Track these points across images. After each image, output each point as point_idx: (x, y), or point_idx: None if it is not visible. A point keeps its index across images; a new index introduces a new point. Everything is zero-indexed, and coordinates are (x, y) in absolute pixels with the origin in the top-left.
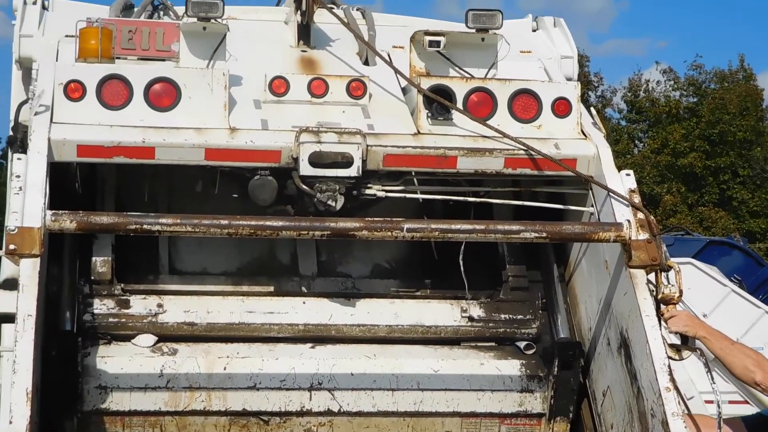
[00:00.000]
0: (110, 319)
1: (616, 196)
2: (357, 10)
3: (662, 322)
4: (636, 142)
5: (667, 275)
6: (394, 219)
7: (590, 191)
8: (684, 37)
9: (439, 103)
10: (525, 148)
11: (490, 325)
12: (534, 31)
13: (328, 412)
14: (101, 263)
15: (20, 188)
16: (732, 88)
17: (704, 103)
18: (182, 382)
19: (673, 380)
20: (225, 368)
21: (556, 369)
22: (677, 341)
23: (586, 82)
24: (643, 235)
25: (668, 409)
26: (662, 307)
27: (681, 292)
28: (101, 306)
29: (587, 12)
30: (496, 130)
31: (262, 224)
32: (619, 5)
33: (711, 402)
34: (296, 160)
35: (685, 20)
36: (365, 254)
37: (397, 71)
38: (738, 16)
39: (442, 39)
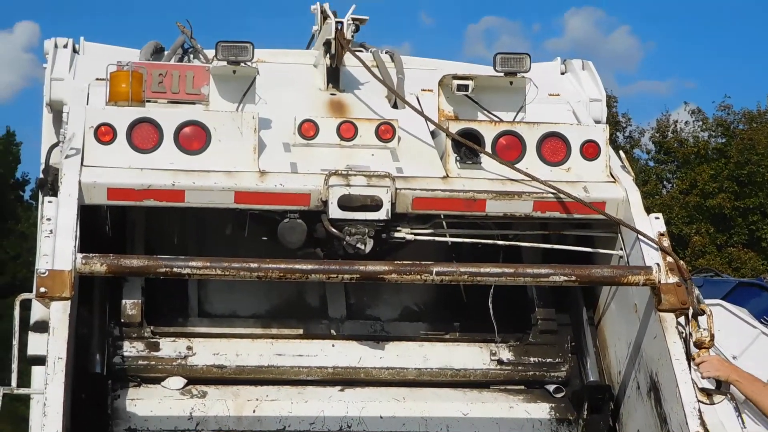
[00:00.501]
0: (140, 362)
1: (645, 240)
2: (386, 53)
3: (693, 366)
4: (664, 182)
5: (698, 319)
6: (423, 262)
7: (619, 234)
8: (712, 78)
9: (468, 147)
10: (554, 191)
11: (520, 368)
12: (562, 73)
13: None
14: (131, 306)
15: (51, 231)
16: (760, 128)
17: (733, 144)
18: (212, 424)
19: (703, 424)
20: (254, 411)
21: (585, 412)
22: (709, 385)
23: (615, 122)
24: (673, 279)
25: None
26: (693, 351)
27: (713, 336)
28: (131, 348)
29: (614, 53)
30: (525, 173)
31: (292, 267)
32: (646, 47)
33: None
34: (325, 203)
35: (713, 61)
36: (394, 297)
37: (425, 116)
38: (766, 57)
39: (470, 83)
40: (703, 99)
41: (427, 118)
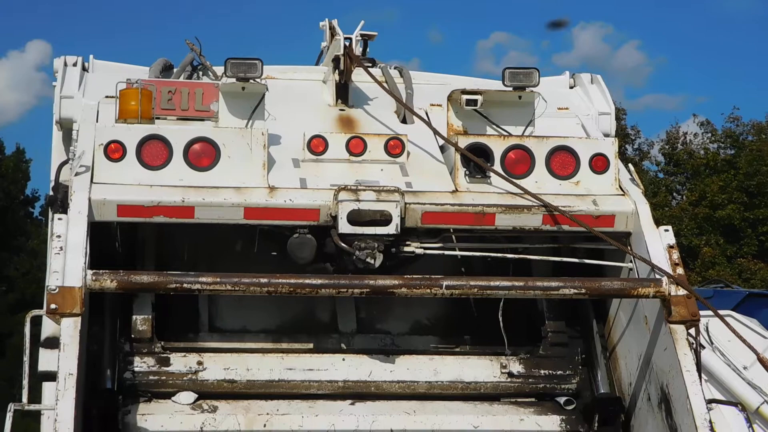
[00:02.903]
0: (150, 377)
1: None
2: (395, 68)
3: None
4: (674, 194)
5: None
6: (433, 276)
7: (629, 247)
8: (722, 92)
9: (477, 164)
10: (563, 206)
11: (530, 380)
12: (571, 87)
13: None
14: (141, 321)
15: (61, 248)
16: None
17: (742, 155)
18: None
19: None
20: (265, 425)
21: (596, 425)
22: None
23: (624, 135)
24: (683, 291)
25: None
26: None
27: None
28: (141, 364)
29: (624, 68)
30: (529, 193)
31: (302, 282)
32: (655, 62)
33: None
34: (335, 218)
35: (722, 77)
36: (404, 311)
37: (435, 131)
38: None
39: (479, 98)
40: (713, 112)
41: (437, 132)
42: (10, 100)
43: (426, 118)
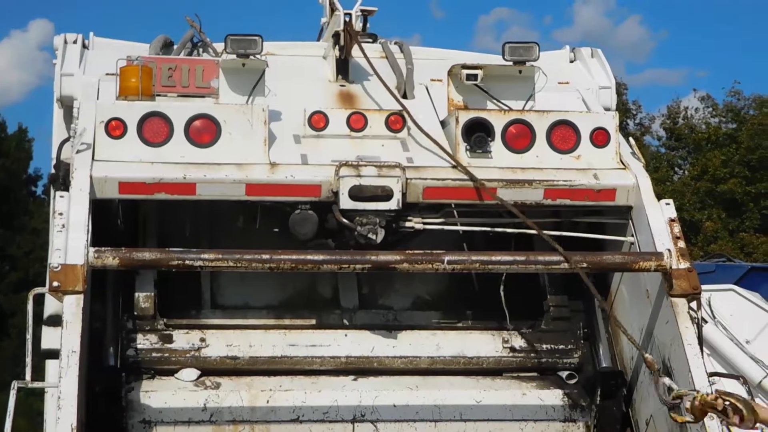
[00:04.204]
0: (153, 354)
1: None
2: (395, 43)
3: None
4: (675, 169)
5: None
6: (434, 251)
7: (630, 221)
8: (723, 67)
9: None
10: (564, 179)
11: (532, 355)
12: (571, 62)
13: None
14: (144, 299)
15: (63, 226)
16: None
17: (743, 129)
18: (225, 415)
19: None
20: (268, 401)
21: (598, 398)
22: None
23: (625, 110)
24: (684, 264)
25: None
26: None
27: None
28: (144, 341)
29: (624, 43)
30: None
31: (304, 258)
32: (657, 36)
33: (756, 429)
34: (336, 194)
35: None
36: (406, 286)
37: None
38: None
39: (479, 72)
40: (714, 87)
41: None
42: (13, 80)
43: (426, 93)
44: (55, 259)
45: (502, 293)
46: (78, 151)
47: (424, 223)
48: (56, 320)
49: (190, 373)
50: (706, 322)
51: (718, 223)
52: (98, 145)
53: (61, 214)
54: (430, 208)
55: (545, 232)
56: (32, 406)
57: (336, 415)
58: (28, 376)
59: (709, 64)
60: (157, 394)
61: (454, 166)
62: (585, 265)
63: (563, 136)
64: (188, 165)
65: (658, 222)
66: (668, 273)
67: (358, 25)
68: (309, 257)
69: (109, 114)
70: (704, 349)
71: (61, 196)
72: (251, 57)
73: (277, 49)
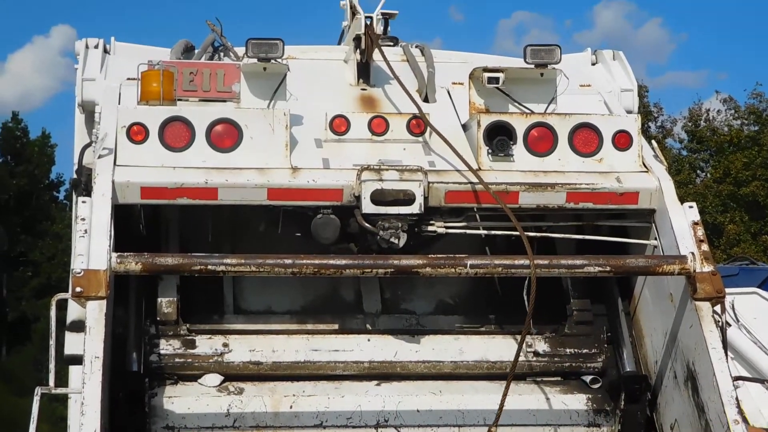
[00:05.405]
0: (176, 360)
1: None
2: (416, 47)
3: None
4: (698, 171)
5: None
6: (457, 255)
7: (653, 224)
8: (743, 69)
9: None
10: (587, 183)
11: (556, 359)
12: (593, 64)
13: None
14: (166, 304)
15: (85, 231)
16: None
17: (765, 131)
18: (249, 421)
19: (741, 412)
20: (291, 407)
21: (622, 403)
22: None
23: (646, 112)
24: (708, 267)
25: None
26: None
27: None
28: (167, 346)
29: (645, 45)
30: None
31: (326, 263)
32: (677, 38)
33: None
34: (358, 198)
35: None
36: (429, 291)
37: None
38: None
39: (501, 75)
40: (735, 88)
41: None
42: (36, 85)
43: (448, 96)
44: (77, 264)
45: (525, 297)
46: (100, 156)
47: (447, 227)
48: (79, 326)
49: (213, 379)
50: (730, 325)
51: (740, 225)
52: (120, 150)
53: (83, 219)
54: (452, 212)
55: (567, 236)
56: (55, 411)
57: (359, 420)
58: (51, 382)
59: (729, 66)
60: (180, 400)
61: (476, 170)
62: (608, 268)
63: (585, 139)
64: (210, 170)
65: (682, 225)
66: (692, 276)
67: (379, 29)
68: (331, 262)
69: (131, 119)
70: (728, 352)
71: (84, 202)
72: (272, 61)
73: (298, 52)
